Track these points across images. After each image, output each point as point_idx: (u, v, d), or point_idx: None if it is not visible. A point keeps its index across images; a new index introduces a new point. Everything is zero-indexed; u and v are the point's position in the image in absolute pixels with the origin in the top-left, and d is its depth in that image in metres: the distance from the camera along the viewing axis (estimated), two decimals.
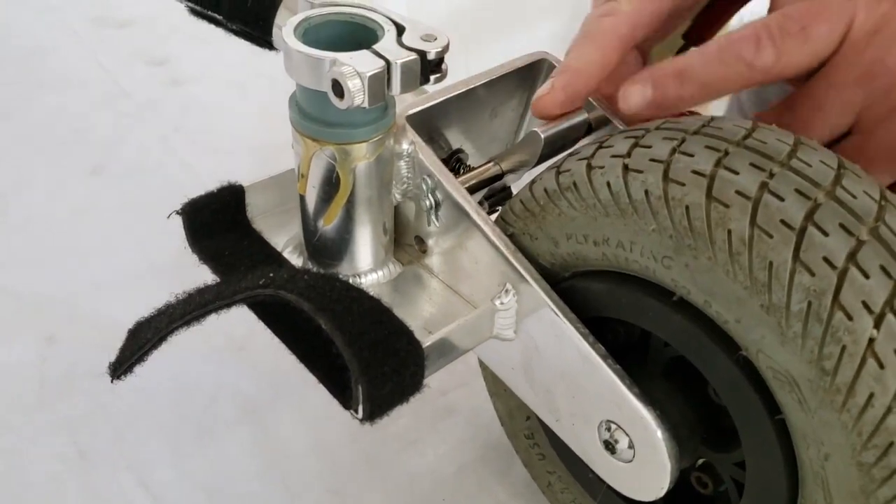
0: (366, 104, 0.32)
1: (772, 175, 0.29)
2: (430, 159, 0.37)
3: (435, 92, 0.42)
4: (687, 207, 0.30)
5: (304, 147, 0.36)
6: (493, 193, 0.43)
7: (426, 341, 0.35)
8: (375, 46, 0.33)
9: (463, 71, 0.43)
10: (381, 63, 0.32)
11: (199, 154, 0.76)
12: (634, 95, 0.36)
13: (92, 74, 0.85)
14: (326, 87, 0.32)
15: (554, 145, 0.39)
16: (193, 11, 0.51)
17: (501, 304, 0.37)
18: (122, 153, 0.75)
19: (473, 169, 0.44)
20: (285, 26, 0.34)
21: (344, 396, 0.34)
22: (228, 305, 0.35)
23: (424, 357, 0.34)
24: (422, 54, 0.33)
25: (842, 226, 0.28)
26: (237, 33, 0.50)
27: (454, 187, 0.37)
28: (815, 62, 0.34)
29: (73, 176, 0.71)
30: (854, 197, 0.29)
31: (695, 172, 0.30)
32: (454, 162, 0.45)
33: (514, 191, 0.42)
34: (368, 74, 0.32)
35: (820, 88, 0.35)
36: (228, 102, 0.83)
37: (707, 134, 0.32)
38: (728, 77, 0.35)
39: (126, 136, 0.77)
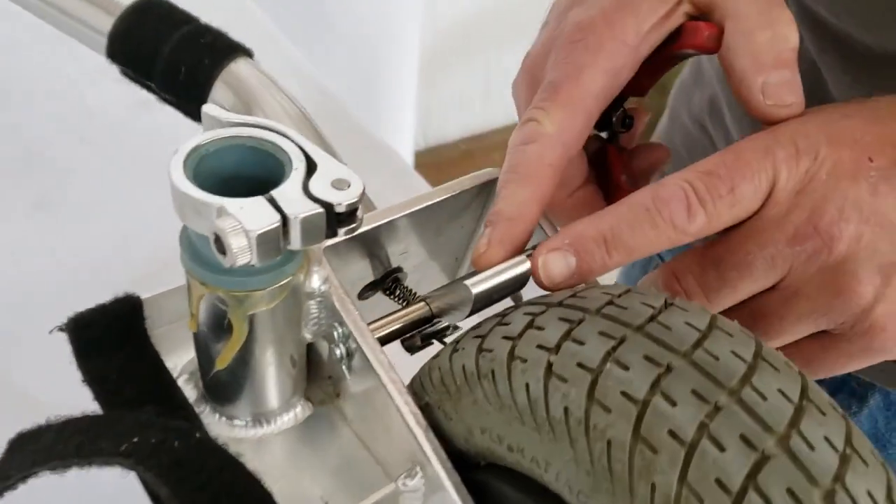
0: (254, 263, 0.27)
1: (717, 409, 0.24)
2: (344, 306, 0.32)
3: (375, 213, 0.37)
4: (609, 443, 0.25)
5: (193, 288, 0.31)
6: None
7: None
8: (275, 192, 0.28)
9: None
10: (276, 218, 0.27)
11: (159, 193, 0.71)
12: (556, 266, 0.32)
13: (57, 87, 0.80)
14: (210, 239, 0.27)
15: (490, 298, 0.34)
16: (126, 74, 0.46)
17: (405, 485, 0.32)
18: (73, 185, 0.70)
19: (408, 297, 0.39)
20: (175, 154, 0.29)
21: None
22: (89, 465, 0.31)
23: None
24: (328, 207, 0.28)
25: (791, 492, 0.23)
26: (170, 104, 0.46)
27: (368, 345, 0.32)
28: (739, 220, 0.33)
29: (14, 209, 0.66)
30: (812, 448, 0.24)
31: (625, 396, 0.25)
32: (390, 282, 0.40)
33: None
34: (257, 233, 0.27)
35: (747, 249, 0.33)
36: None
37: (651, 335, 0.27)
38: (658, 241, 0.32)
39: (81, 164, 0.72)
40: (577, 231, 0.32)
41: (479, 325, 0.32)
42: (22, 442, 0.33)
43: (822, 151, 0.33)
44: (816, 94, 0.49)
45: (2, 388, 0.53)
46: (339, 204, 0.28)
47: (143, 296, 0.36)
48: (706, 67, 0.59)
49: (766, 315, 0.34)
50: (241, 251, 0.27)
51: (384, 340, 0.34)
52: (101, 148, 0.75)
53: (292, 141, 0.30)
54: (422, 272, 0.41)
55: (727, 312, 0.34)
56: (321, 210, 0.28)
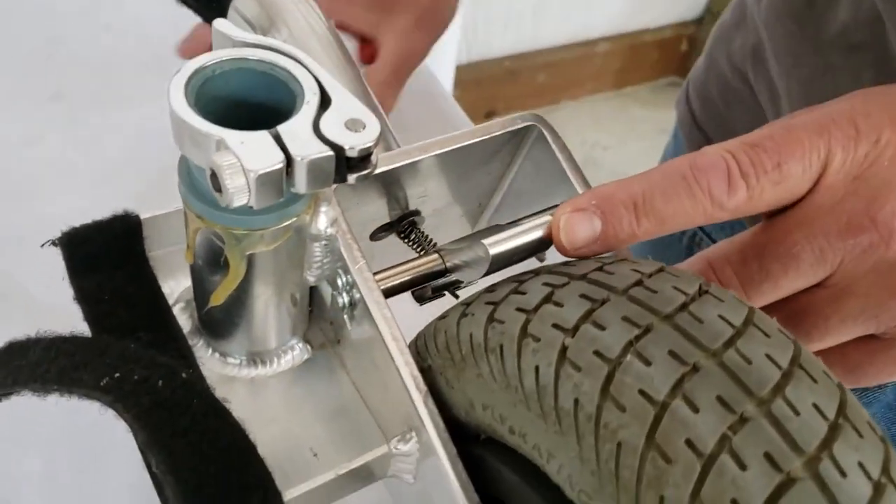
0: (252, 205, 0.25)
1: (743, 421, 0.22)
2: (351, 253, 0.30)
3: (397, 152, 0.34)
4: (619, 445, 0.22)
5: (189, 220, 0.29)
6: None
7: (291, 492, 0.28)
8: (282, 128, 0.25)
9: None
10: (280, 158, 0.24)
11: None
12: (580, 228, 0.29)
13: None
14: (206, 173, 0.25)
15: (510, 259, 0.31)
16: None
17: (397, 449, 0.30)
18: (92, 77, 0.67)
19: (422, 243, 0.37)
20: (177, 74, 0.26)
21: None
22: (69, 393, 0.29)
23: None
24: (339, 150, 0.25)
25: None
26: (190, 7, 0.42)
27: (372, 299, 0.30)
28: (785, 202, 0.31)
29: (31, 99, 0.64)
30: (843, 475, 0.22)
31: (644, 395, 0.23)
32: (406, 225, 0.38)
33: None
34: (258, 173, 0.24)
35: (794, 239, 0.30)
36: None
37: (680, 328, 0.24)
38: (693, 213, 0.29)
39: (104, 57, 0.69)
40: (606, 192, 0.29)
41: (493, 289, 0.29)
42: (10, 354, 0.31)
43: (885, 135, 0.30)
44: (876, 47, 0.44)
45: (6, 288, 0.52)
46: (352, 148, 0.25)
47: (143, 215, 0.34)
48: (751, 11, 0.54)
49: (809, 314, 0.31)
50: (239, 191, 0.24)
51: (392, 292, 0.32)
52: (126, 39, 0.71)
53: (308, 69, 0.27)
54: (441, 217, 0.39)
55: (765, 310, 0.31)
56: (330, 153, 0.25)
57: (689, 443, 0.22)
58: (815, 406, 0.23)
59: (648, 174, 0.30)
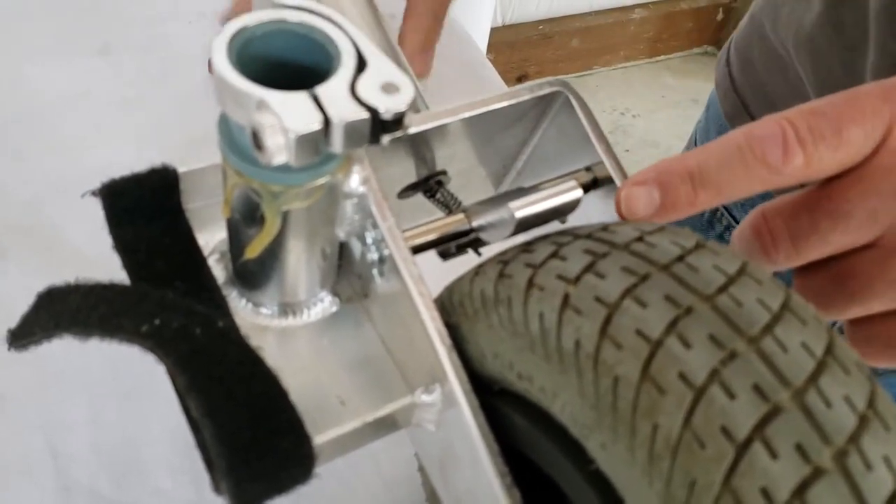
0: (292, 163, 0.26)
1: (733, 357, 0.23)
2: (381, 211, 0.31)
3: (427, 114, 0.35)
4: (616, 379, 0.24)
5: (227, 175, 0.30)
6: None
7: (320, 437, 0.30)
8: (320, 89, 0.26)
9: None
10: (318, 118, 0.26)
11: None
12: (640, 200, 0.30)
13: None
14: (247, 131, 0.26)
15: (533, 223, 0.32)
16: None
17: (421, 399, 0.31)
18: (136, 32, 0.68)
19: (448, 202, 0.38)
20: (220, 34, 0.27)
21: (214, 476, 0.30)
22: (110, 338, 0.31)
23: (314, 457, 0.29)
24: (374, 112, 0.26)
25: (799, 447, 0.22)
26: None
27: (400, 256, 0.31)
28: (844, 168, 0.30)
29: (79, 52, 0.64)
30: (828, 405, 0.23)
31: (639, 334, 0.24)
32: (433, 184, 0.39)
33: None
34: (298, 133, 0.25)
35: (847, 196, 0.30)
36: None
37: (676, 276, 0.25)
38: (748, 182, 0.29)
39: (146, 11, 0.70)
40: (664, 166, 0.30)
41: (504, 252, 0.30)
42: (50, 299, 0.33)
43: None
44: None
45: (51, 238, 0.54)
46: (387, 111, 0.26)
47: (181, 169, 0.35)
48: None
49: (855, 276, 0.30)
50: (279, 150, 0.25)
51: (419, 249, 0.33)
52: None
53: (345, 32, 0.28)
54: (466, 177, 0.40)
55: (813, 268, 0.31)
56: (367, 116, 0.26)
57: (681, 375, 0.23)
58: (804, 345, 0.24)
59: (706, 146, 0.30)
